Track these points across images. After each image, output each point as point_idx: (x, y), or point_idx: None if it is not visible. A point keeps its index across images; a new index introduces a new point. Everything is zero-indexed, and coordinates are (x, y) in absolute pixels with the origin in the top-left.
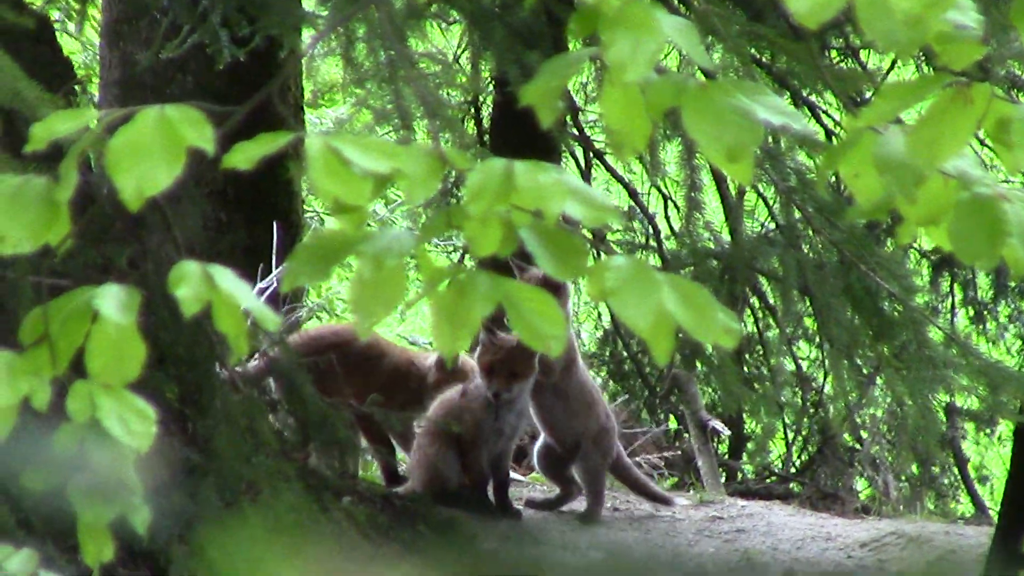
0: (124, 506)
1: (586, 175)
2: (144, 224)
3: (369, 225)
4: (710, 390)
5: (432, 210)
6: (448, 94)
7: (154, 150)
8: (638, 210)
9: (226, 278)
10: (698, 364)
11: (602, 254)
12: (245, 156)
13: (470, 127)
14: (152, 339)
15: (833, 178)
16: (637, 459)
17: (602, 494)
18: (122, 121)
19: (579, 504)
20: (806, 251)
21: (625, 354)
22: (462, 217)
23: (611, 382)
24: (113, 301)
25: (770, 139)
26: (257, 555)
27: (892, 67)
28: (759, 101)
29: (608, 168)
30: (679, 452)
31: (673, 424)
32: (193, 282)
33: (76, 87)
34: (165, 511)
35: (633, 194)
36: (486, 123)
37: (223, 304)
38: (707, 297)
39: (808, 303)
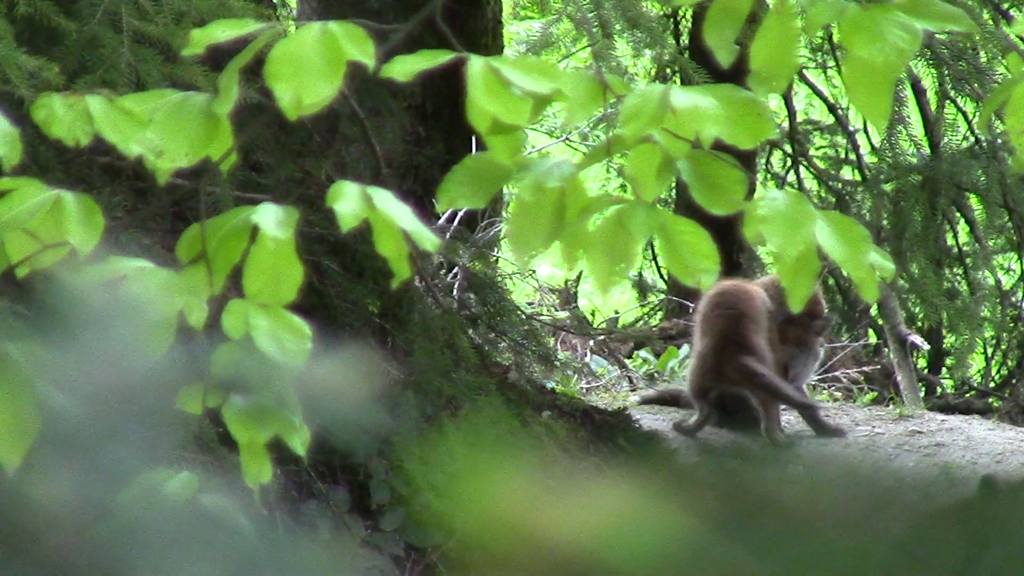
0: (281, 426)
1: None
2: (343, 137)
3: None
4: (910, 304)
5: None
6: (648, 5)
7: (314, 62)
8: (839, 125)
9: (385, 199)
10: (899, 278)
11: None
12: (403, 69)
13: (669, 39)
14: (351, 252)
15: None
16: (836, 373)
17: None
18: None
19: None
20: (1008, 164)
21: (825, 269)
22: (623, 146)
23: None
24: (271, 218)
25: (971, 51)
26: (457, 470)
27: None
28: (921, 13)
29: (807, 82)
30: (878, 367)
31: (872, 339)
32: (351, 199)
33: None
34: (365, 426)
35: (833, 109)
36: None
37: (383, 225)
38: (863, 234)
39: (1009, 217)
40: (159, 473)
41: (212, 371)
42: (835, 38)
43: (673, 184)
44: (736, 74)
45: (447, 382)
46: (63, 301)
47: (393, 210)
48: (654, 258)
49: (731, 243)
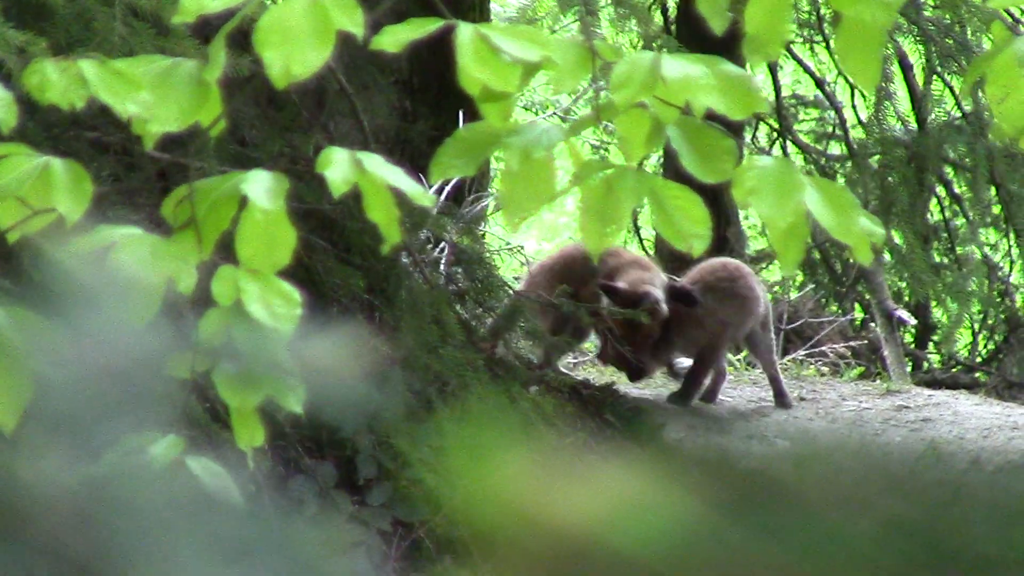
0: (274, 388)
1: (772, 64)
2: (331, 112)
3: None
4: (896, 279)
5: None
6: None
7: (303, 31)
8: (825, 99)
9: (375, 163)
10: (885, 253)
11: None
12: (393, 39)
13: (656, 16)
14: (339, 228)
15: None
16: (823, 348)
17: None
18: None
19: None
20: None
21: (811, 242)
22: (612, 112)
23: (798, 271)
24: (261, 187)
25: (958, 27)
26: (444, 445)
27: None
28: None
29: (795, 57)
30: (865, 341)
31: (859, 313)
32: (342, 165)
33: None
34: (352, 401)
35: (820, 83)
36: (672, 12)
37: (373, 191)
38: (852, 200)
39: (996, 192)
40: (143, 436)
41: (200, 337)
42: (821, 10)
43: (660, 153)
44: (723, 50)
45: (435, 358)
46: (50, 271)
47: (384, 172)
48: (636, 231)
49: (717, 216)
